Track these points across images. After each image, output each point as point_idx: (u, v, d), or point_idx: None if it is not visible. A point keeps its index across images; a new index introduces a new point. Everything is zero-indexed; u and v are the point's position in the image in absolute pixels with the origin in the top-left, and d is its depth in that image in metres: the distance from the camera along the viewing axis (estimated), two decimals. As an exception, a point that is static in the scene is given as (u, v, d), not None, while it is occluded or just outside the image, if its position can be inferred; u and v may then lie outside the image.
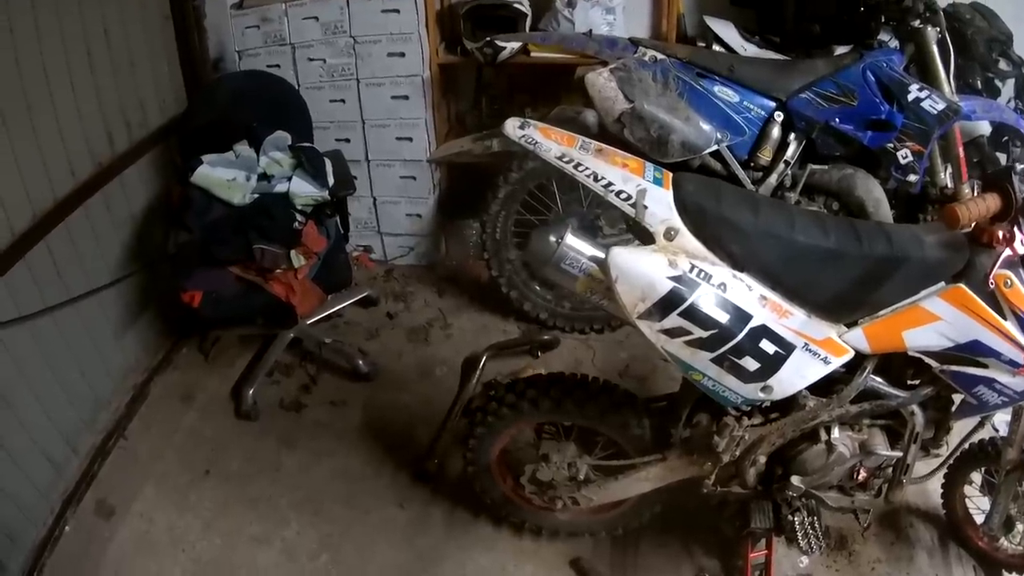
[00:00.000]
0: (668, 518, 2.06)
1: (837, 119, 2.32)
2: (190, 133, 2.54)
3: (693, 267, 1.38)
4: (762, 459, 1.71)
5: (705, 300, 1.38)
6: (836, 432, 1.63)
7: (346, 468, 2.35)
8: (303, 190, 2.39)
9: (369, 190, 3.08)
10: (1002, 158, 2.72)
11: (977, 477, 2.01)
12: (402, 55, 2.79)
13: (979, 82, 2.59)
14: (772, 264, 1.41)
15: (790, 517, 1.82)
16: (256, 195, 2.38)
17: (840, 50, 2.55)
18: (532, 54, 2.76)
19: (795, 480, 1.69)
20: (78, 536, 2.16)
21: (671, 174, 1.44)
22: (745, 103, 2.36)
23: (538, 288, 2.81)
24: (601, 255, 1.41)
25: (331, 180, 2.44)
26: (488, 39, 2.67)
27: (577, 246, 1.43)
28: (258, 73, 2.79)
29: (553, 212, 2.65)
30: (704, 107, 2.34)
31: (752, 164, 2.42)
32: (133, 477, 2.33)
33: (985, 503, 1.96)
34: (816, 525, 1.85)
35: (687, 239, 1.39)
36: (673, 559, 2.08)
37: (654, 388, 2.55)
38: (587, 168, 1.38)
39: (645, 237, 1.40)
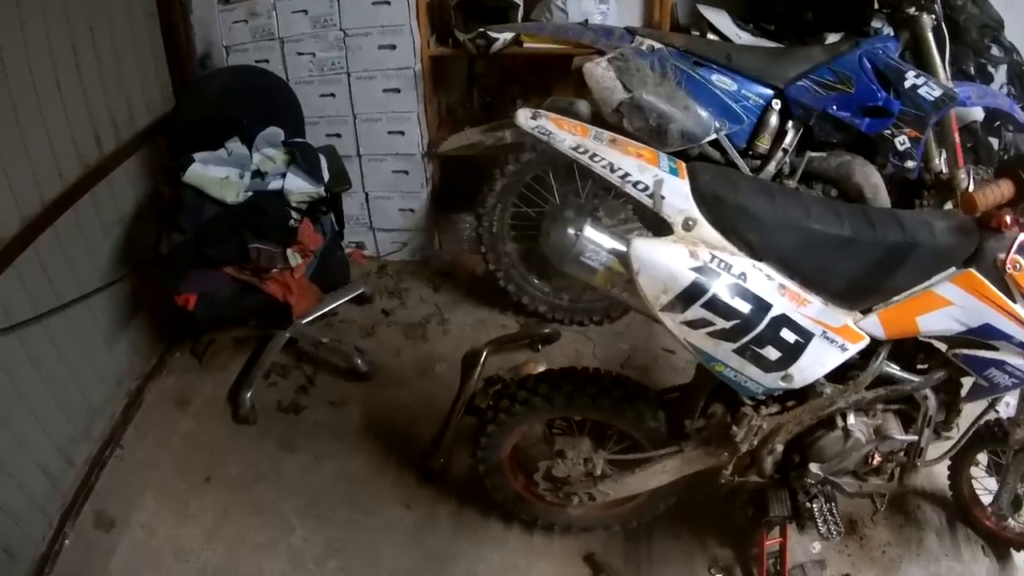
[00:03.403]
0: (679, 509, 2.05)
1: (834, 106, 2.31)
2: (179, 131, 2.47)
3: (713, 257, 1.38)
4: (779, 447, 1.71)
5: (726, 291, 1.37)
6: (852, 418, 1.64)
7: (349, 470, 2.31)
8: (298, 187, 2.34)
9: (361, 185, 3.03)
10: (994, 143, 2.75)
11: (983, 458, 2.01)
12: (393, 48, 2.73)
13: (972, 68, 2.61)
14: (790, 252, 1.41)
15: (808, 504, 1.82)
16: (250, 193, 2.32)
17: (831, 37, 2.54)
18: (525, 45, 2.71)
19: (813, 467, 1.70)
20: (78, 550, 2.10)
21: (684, 164, 1.43)
22: (743, 91, 2.34)
23: (536, 281, 2.79)
24: (622, 247, 1.38)
25: (326, 176, 2.39)
26: (481, 30, 2.63)
27: (596, 238, 1.40)
28: (247, 68, 2.71)
29: (550, 204, 2.63)
30: (702, 96, 2.32)
31: (750, 152, 2.41)
32: (131, 487, 2.27)
33: (991, 483, 1.98)
34: (834, 511, 1.85)
35: (705, 229, 1.38)
36: (686, 550, 2.07)
37: (655, 378, 2.54)
38: (603, 158, 1.36)
39: (661, 228, 1.39)
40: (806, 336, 1.43)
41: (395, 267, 3.20)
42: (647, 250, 1.36)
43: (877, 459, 1.73)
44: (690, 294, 1.36)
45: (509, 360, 2.56)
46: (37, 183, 2.05)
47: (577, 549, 2.08)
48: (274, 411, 2.51)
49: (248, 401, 2.46)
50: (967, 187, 2.29)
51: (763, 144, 2.39)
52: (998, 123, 2.72)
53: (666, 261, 1.36)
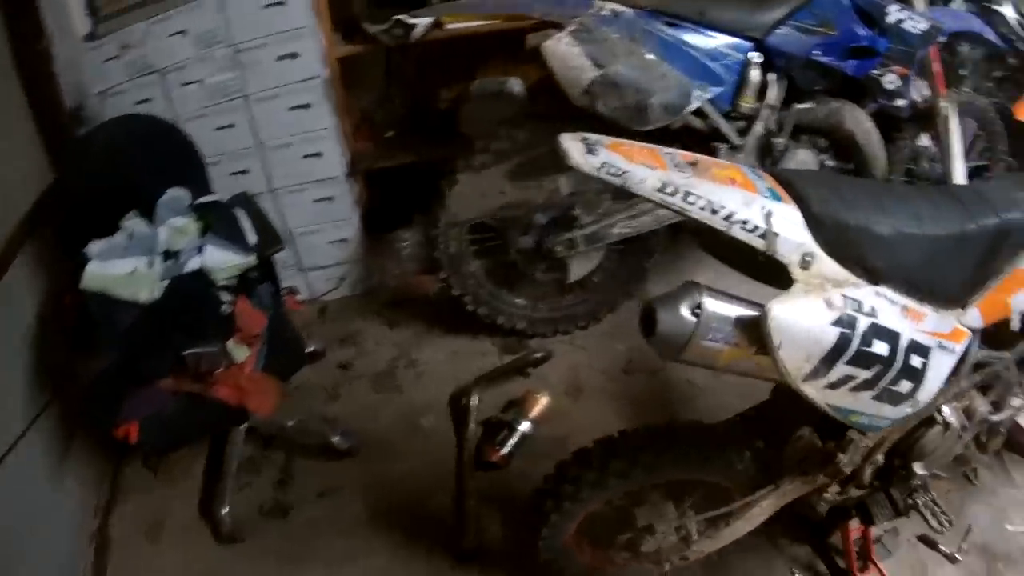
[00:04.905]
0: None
1: (818, 51, 2.13)
2: (64, 213, 1.92)
3: (845, 299, 1.14)
4: (880, 457, 1.54)
5: (865, 336, 1.15)
6: (946, 409, 1.50)
7: (372, 571, 1.94)
8: (220, 261, 1.85)
9: (282, 224, 2.54)
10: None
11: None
12: (295, 56, 2.26)
13: None
14: (912, 268, 1.22)
15: (910, 502, 1.68)
16: (166, 282, 1.81)
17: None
18: (447, 27, 2.29)
19: (917, 467, 1.55)
20: None
21: (772, 177, 1.16)
22: (721, 48, 2.08)
23: (508, 296, 2.46)
24: (750, 312, 1.11)
25: (252, 238, 1.92)
26: (396, 18, 2.19)
27: (721, 310, 1.11)
28: (129, 118, 2.15)
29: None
30: (678, 60, 2.05)
31: (733, 114, 2.17)
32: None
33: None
34: (937, 501, 1.72)
35: (824, 263, 1.14)
36: (764, 558, 1.91)
37: (669, 378, 2.34)
38: (699, 197, 1.04)
39: (773, 271, 1.13)
40: (927, 354, 1.25)
41: (337, 307, 2.76)
42: (787, 315, 1.10)
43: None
44: (834, 352, 1.14)
45: (503, 394, 2.26)
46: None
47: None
48: (258, 517, 2.07)
49: (227, 519, 2.01)
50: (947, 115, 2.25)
51: (747, 103, 2.17)
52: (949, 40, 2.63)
53: (807, 323, 1.11)
